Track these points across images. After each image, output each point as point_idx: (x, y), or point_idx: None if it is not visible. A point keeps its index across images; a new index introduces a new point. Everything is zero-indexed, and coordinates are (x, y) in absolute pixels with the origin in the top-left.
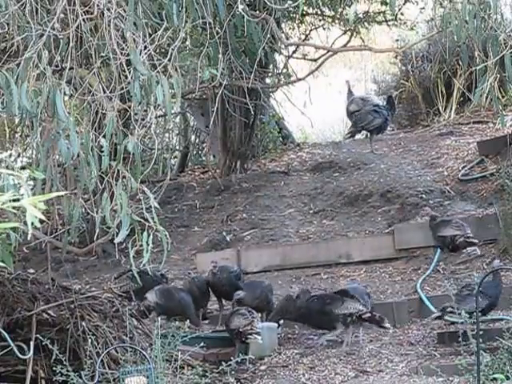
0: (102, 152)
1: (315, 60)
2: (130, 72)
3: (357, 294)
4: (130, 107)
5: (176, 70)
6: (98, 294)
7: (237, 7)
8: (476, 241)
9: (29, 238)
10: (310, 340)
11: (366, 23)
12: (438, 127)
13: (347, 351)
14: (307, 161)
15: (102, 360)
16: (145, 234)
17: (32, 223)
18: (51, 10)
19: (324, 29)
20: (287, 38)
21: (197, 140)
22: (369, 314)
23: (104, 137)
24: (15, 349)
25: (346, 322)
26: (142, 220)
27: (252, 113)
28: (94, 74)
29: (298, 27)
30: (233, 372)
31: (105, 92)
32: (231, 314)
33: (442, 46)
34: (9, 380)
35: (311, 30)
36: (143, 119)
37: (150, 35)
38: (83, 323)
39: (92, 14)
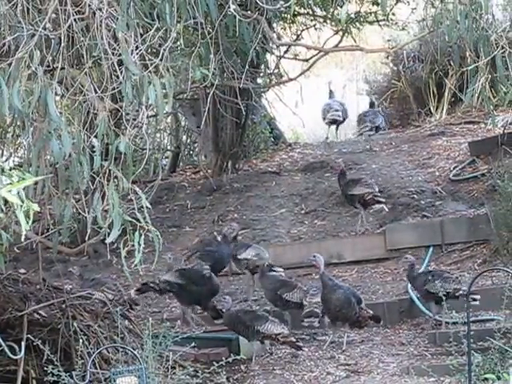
0: (94, 152)
1: (307, 60)
2: (121, 72)
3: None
4: (121, 107)
5: (167, 70)
6: (89, 294)
7: (228, 7)
8: (383, 200)
9: (22, 239)
10: (301, 340)
11: (357, 23)
12: (430, 127)
13: (334, 351)
14: (298, 161)
15: (93, 360)
16: (136, 234)
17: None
18: (43, 10)
19: (315, 29)
20: (279, 38)
21: (188, 140)
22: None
23: (96, 137)
24: (6, 349)
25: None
26: (133, 220)
27: (243, 113)
28: (86, 74)
29: (290, 27)
30: (224, 372)
31: (96, 92)
32: (261, 317)
33: (433, 46)
34: (0, 380)
35: (303, 30)
36: (135, 119)
37: (142, 35)
38: (74, 323)
39: (83, 13)
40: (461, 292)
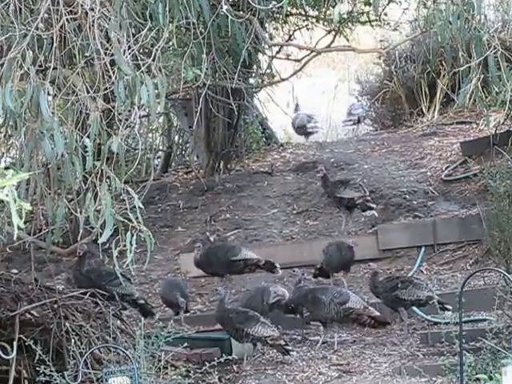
0: (86, 152)
1: (299, 60)
2: (113, 72)
3: None
4: (113, 107)
5: (160, 70)
6: (81, 294)
7: (221, 7)
8: (374, 205)
9: (14, 238)
10: (293, 340)
11: (349, 23)
12: (422, 127)
13: (326, 351)
14: (290, 161)
15: (85, 360)
16: (128, 234)
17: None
18: (35, 10)
19: (308, 29)
20: (271, 39)
21: (180, 140)
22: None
23: (88, 137)
24: None
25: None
26: (125, 220)
27: (235, 113)
28: (78, 74)
29: (282, 27)
30: (216, 372)
31: (89, 92)
32: (252, 318)
33: (425, 47)
34: None
35: (295, 31)
36: (127, 119)
37: (134, 35)
38: (66, 323)
39: (76, 13)
40: (434, 301)
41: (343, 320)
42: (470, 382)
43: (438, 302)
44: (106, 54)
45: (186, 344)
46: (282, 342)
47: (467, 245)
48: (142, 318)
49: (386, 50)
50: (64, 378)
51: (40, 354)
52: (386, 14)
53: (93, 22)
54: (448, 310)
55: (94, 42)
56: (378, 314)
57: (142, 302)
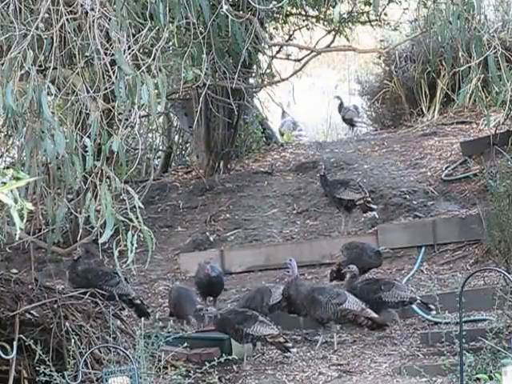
0: (86, 152)
1: (299, 60)
2: (113, 72)
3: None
4: (114, 107)
5: (160, 70)
6: (81, 294)
7: (221, 7)
8: (375, 206)
9: (16, 239)
10: (293, 340)
11: (349, 23)
12: (422, 127)
13: (326, 351)
14: (290, 161)
15: (85, 360)
16: (129, 233)
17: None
18: (35, 10)
19: (308, 29)
20: (271, 38)
21: (180, 140)
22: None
23: (88, 137)
24: None
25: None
26: (126, 220)
27: (235, 113)
28: (78, 74)
29: (282, 27)
30: (216, 372)
31: (89, 92)
32: (250, 318)
33: (425, 47)
34: None
35: (295, 31)
36: (127, 119)
37: (134, 35)
38: (66, 323)
39: (76, 13)
40: (418, 301)
41: (340, 320)
42: (470, 382)
43: (421, 303)
44: (106, 53)
45: (185, 344)
46: (282, 340)
47: (467, 245)
48: (142, 318)
49: (385, 49)
50: (64, 377)
51: (40, 354)
52: (386, 14)
53: (93, 21)
54: (431, 309)
55: (94, 41)
56: (375, 315)
57: (137, 302)
